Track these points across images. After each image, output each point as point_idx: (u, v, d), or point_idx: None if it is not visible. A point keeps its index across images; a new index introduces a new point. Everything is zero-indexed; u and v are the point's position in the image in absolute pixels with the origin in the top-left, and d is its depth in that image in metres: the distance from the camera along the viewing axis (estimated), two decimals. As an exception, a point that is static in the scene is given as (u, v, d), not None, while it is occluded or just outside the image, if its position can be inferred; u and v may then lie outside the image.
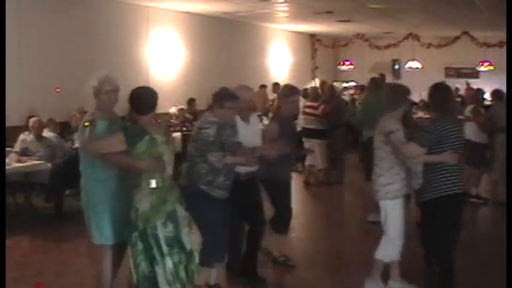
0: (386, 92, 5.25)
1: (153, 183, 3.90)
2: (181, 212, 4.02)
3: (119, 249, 4.29)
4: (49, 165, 7.40)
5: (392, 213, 4.79)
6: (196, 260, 4.05)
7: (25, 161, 7.32)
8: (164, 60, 12.72)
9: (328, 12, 13.15)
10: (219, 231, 4.48)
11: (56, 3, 10.05)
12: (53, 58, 9.90)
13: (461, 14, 13.35)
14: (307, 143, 9.58)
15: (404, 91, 5.02)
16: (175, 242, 3.94)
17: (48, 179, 7.41)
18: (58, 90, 9.88)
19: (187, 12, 13.21)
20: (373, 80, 9.07)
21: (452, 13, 13.22)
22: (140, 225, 3.89)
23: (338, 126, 10.18)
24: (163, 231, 3.90)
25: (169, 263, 3.91)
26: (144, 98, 4.11)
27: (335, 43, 20.11)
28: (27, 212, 7.42)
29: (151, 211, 3.88)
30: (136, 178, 3.95)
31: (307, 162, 10.09)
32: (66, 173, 7.57)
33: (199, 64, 13.57)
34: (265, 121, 12.71)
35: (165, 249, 3.89)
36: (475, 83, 16.16)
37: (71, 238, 6.71)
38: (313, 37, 19.66)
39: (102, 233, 4.21)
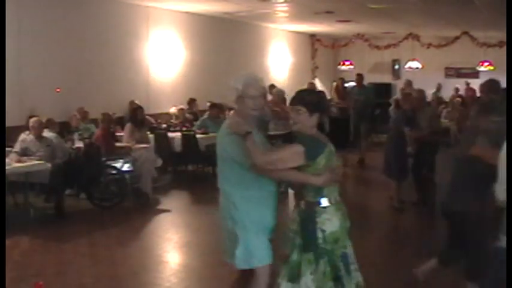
0: None
1: (334, 200, 3.46)
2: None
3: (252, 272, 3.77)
4: (49, 165, 7.40)
5: None
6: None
7: (25, 161, 7.31)
8: (164, 60, 12.72)
9: (328, 12, 13.15)
10: None
11: (56, 3, 10.05)
12: (53, 58, 9.90)
13: (461, 14, 13.35)
14: None
15: None
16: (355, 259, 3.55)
17: (48, 179, 7.41)
18: (58, 90, 9.90)
19: (187, 12, 13.21)
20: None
21: (452, 13, 13.22)
22: (329, 247, 3.41)
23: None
24: (350, 249, 3.50)
25: (357, 276, 3.51)
26: (320, 101, 3.52)
27: (335, 43, 20.11)
28: (27, 212, 7.42)
29: (341, 230, 3.44)
30: (312, 195, 3.43)
31: None
32: (66, 173, 7.60)
33: (199, 64, 13.58)
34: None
35: (352, 267, 3.50)
36: (475, 83, 16.14)
37: (71, 238, 6.72)
38: (313, 37, 19.67)
39: (254, 255, 3.63)
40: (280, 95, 10.43)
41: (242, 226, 3.62)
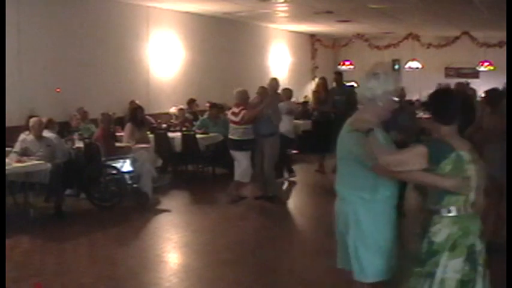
0: None
1: (454, 211, 3.12)
2: (479, 247, 3.14)
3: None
4: (49, 165, 7.40)
5: None
6: None
7: (25, 161, 7.31)
8: (164, 60, 12.72)
9: (328, 12, 13.15)
10: None
11: (56, 3, 10.05)
12: (53, 58, 9.90)
13: (461, 14, 13.35)
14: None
15: None
16: None
17: (48, 179, 7.41)
18: (58, 90, 9.90)
19: (187, 12, 13.21)
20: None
21: (452, 13, 13.23)
22: (431, 261, 3.12)
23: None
24: (457, 273, 3.06)
25: None
26: (449, 103, 3.22)
27: (335, 43, 20.11)
28: (27, 212, 7.42)
29: (442, 244, 3.09)
30: (432, 202, 3.18)
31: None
32: (66, 173, 7.61)
33: (199, 64, 13.58)
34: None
35: None
36: (475, 83, 16.14)
37: (71, 238, 6.72)
38: (313, 37, 19.67)
39: (375, 266, 3.40)
40: (239, 94, 8.58)
41: (352, 234, 3.42)
